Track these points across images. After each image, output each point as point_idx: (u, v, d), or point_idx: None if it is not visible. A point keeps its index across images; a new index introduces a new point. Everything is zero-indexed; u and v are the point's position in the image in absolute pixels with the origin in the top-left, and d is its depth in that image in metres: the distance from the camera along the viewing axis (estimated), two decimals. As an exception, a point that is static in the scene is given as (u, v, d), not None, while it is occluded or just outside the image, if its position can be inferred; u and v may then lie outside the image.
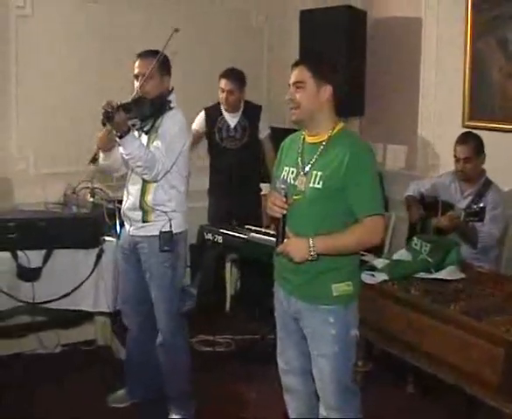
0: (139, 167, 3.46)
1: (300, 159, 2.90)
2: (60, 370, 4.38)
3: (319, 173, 2.79)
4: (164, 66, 3.64)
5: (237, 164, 5.00)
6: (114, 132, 3.42)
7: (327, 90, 2.82)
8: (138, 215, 3.64)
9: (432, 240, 3.72)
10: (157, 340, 3.77)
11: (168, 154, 3.51)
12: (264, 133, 5.15)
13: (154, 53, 3.59)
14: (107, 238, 4.14)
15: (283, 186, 2.84)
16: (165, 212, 3.61)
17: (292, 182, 2.87)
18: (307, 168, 2.84)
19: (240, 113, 5.05)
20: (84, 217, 4.23)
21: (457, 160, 4.21)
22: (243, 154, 5.04)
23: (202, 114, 5.08)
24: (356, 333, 2.90)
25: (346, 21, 5.18)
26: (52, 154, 4.88)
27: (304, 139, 2.95)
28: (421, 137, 5.20)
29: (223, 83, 4.90)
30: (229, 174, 5.03)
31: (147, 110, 3.56)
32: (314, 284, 2.84)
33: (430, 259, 3.61)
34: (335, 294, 2.82)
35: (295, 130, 6.07)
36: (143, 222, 3.64)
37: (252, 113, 5.09)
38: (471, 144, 4.17)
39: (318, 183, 2.78)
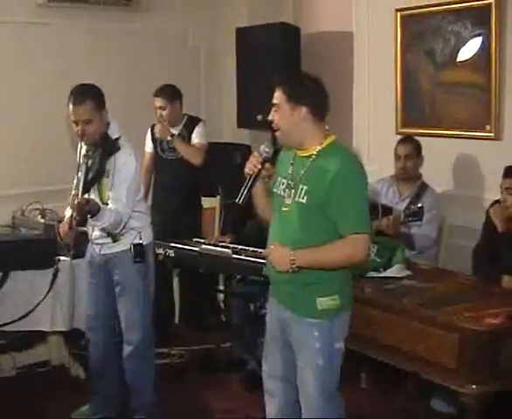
0: (107, 228, 3.57)
1: (291, 171, 2.91)
2: (19, 393, 4.33)
3: (304, 187, 2.81)
4: (100, 102, 3.60)
5: (178, 175, 5.09)
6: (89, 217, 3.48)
7: (301, 112, 2.81)
8: (108, 239, 3.72)
9: (378, 241, 3.93)
10: (125, 352, 3.80)
11: (128, 202, 3.56)
12: (194, 141, 5.18)
13: (86, 93, 3.54)
14: (61, 258, 4.18)
15: (266, 150, 2.91)
16: (133, 228, 3.71)
17: (282, 193, 2.91)
18: (295, 181, 2.86)
19: (181, 125, 5.17)
20: (38, 238, 4.24)
21: (398, 158, 4.46)
22: (183, 164, 5.10)
23: (148, 131, 5.19)
24: (341, 345, 2.89)
25: (280, 37, 5.37)
26: (-1, 177, 4.84)
27: (296, 151, 2.95)
28: (356, 146, 5.39)
29: (155, 101, 5.04)
30: (171, 186, 5.11)
31: (102, 163, 3.55)
32: (299, 295, 2.86)
33: (378, 259, 3.85)
34: (319, 308, 2.82)
35: (233, 144, 6.21)
36: (114, 242, 3.71)
37: (191, 125, 5.20)
38: (412, 143, 4.47)
39: (303, 198, 2.81)
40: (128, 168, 3.59)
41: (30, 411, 4.12)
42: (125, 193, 3.56)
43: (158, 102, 5.03)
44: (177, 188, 5.11)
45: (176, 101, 5.08)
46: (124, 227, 3.63)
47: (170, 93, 5.05)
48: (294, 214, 2.85)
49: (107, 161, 3.57)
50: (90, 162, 3.55)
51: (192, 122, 5.21)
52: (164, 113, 5.04)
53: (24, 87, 4.96)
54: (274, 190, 2.98)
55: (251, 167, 2.91)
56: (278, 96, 2.85)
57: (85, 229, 3.85)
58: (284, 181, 2.93)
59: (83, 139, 3.56)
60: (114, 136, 3.62)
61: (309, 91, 2.86)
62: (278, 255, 2.83)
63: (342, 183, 2.74)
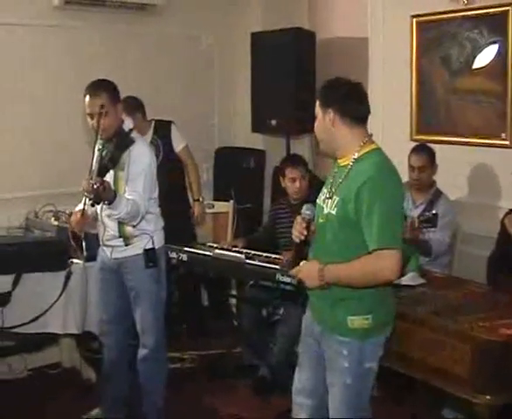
0: (125, 219, 3.56)
1: (332, 180, 2.82)
2: (29, 394, 4.36)
3: (337, 198, 2.71)
4: (115, 96, 3.62)
5: (159, 183, 5.03)
6: (106, 203, 3.47)
7: (330, 115, 2.72)
8: (120, 241, 3.71)
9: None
10: (140, 354, 3.81)
11: (145, 194, 3.59)
12: (179, 146, 5.17)
13: (102, 86, 3.58)
14: (74, 261, 4.19)
15: (308, 212, 2.82)
16: (147, 233, 3.71)
17: (322, 203, 2.82)
18: (332, 191, 2.77)
19: (151, 133, 5.10)
20: (51, 240, 4.27)
21: (412, 169, 4.42)
22: (162, 171, 5.02)
23: None
24: (373, 365, 2.78)
25: (296, 42, 5.35)
26: (13, 179, 4.84)
27: (338, 160, 2.86)
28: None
29: None
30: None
31: (116, 154, 3.57)
32: (330, 311, 2.76)
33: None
34: (350, 327, 2.71)
35: (247, 149, 6.19)
36: (126, 245, 3.71)
37: (162, 129, 5.14)
38: (426, 153, 4.41)
39: (333, 209, 2.71)
40: (142, 160, 3.61)
41: (40, 413, 4.15)
42: (141, 184, 3.58)
43: None
44: (162, 195, 5.02)
45: (136, 112, 4.86)
46: (139, 222, 3.61)
47: (128, 106, 4.71)
48: (327, 225, 2.75)
49: (122, 154, 3.58)
50: (104, 152, 3.57)
51: (162, 127, 5.16)
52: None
53: (40, 90, 4.97)
54: (317, 201, 2.89)
55: (297, 234, 2.82)
56: (316, 105, 2.81)
57: (95, 231, 3.86)
58: (325, 190, 2.84)
59: (98, 131, 3.53)
60: (132, 137, 3.65)
61: (337, 94, 2.74)
62: (307, 270, 2.76)
63: (369, 194, 2.59)
